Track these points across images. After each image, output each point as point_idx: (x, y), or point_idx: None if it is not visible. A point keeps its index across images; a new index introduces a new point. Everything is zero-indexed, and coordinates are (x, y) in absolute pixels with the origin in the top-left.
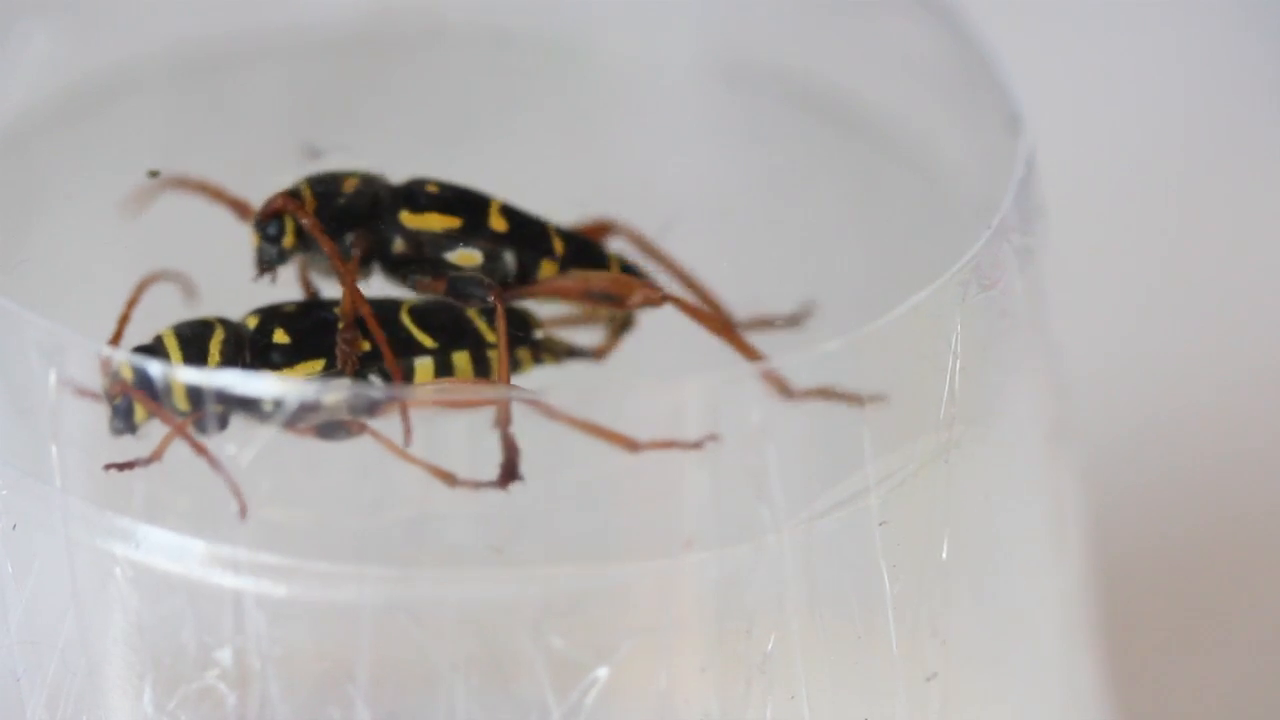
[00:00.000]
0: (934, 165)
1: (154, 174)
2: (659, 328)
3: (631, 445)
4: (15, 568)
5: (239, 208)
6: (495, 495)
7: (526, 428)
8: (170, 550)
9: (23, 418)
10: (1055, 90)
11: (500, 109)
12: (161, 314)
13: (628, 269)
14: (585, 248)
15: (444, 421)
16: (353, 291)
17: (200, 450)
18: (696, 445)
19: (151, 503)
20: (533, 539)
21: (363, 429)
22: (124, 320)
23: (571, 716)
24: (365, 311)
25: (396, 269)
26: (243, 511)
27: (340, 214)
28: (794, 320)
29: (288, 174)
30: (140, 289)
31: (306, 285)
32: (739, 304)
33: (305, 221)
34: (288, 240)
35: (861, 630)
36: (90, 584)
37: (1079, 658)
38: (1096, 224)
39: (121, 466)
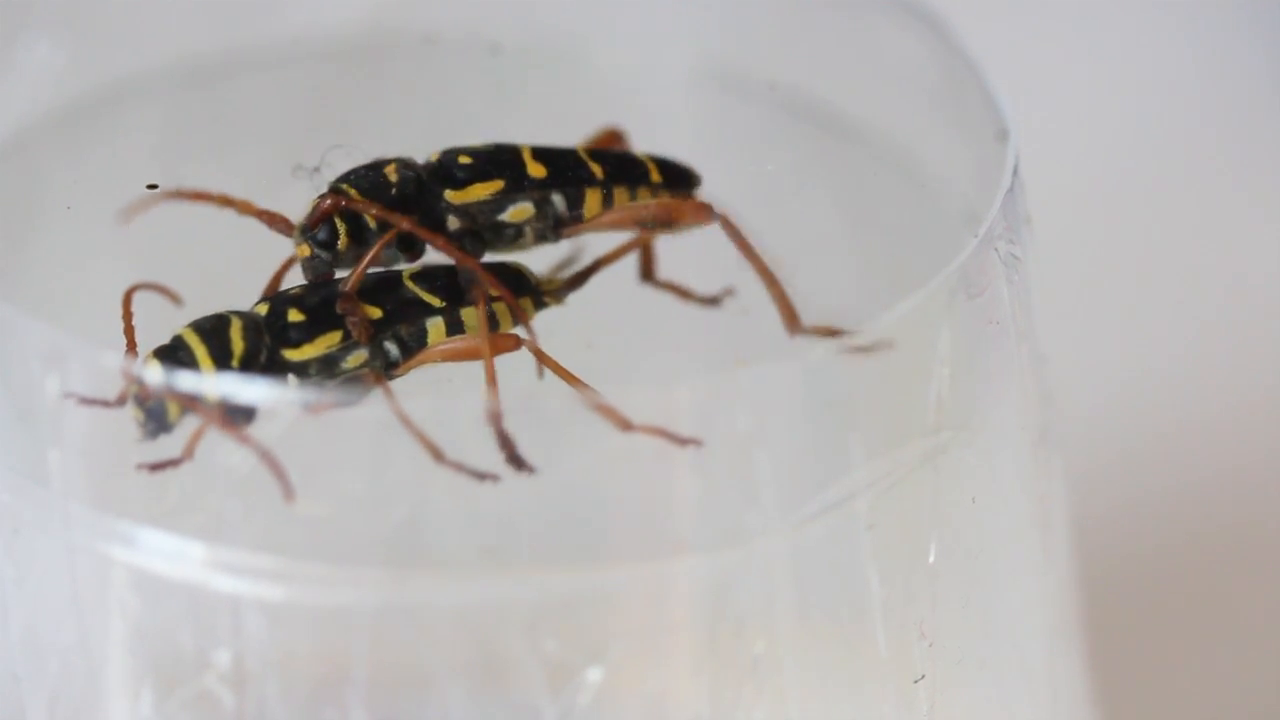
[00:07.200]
0: (922, 174)
1: (152, 187)
2: (653, 334)
3: (625, 424)
4: (16, 571)
5: (265, 216)
6: (487, 494)
7: (522, 430)
8: (169, 554)
9: (23, 422)
10: (1042, 99)
11: (494, 119)
12: (155, 321)
13: (663, 164)
14: (619, 161)
15: (449, 410)
16: (474, 261)
17: (245, 441)
18: (687, 441)
19: (151, 507)
20: (526, 542)
21: (378, 380)
22: (129, 332)
23: (565, 718)
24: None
25: (457, 243)
26: (289, 496)
27: (394, 204)
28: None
29: (286, 184)
30: (128, 301)
31: (277, 283)
32: (729, 311)
33: (372, 210)
34: (342, 243)
35: (850, 633)
36: (90, 587)
37: (1064, 660)
38: (1083, 232)
39: (154, 467)
